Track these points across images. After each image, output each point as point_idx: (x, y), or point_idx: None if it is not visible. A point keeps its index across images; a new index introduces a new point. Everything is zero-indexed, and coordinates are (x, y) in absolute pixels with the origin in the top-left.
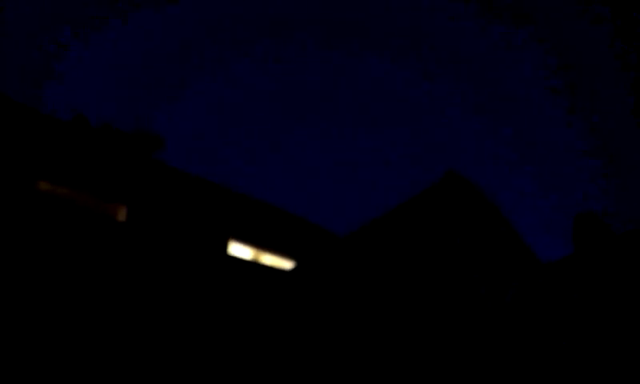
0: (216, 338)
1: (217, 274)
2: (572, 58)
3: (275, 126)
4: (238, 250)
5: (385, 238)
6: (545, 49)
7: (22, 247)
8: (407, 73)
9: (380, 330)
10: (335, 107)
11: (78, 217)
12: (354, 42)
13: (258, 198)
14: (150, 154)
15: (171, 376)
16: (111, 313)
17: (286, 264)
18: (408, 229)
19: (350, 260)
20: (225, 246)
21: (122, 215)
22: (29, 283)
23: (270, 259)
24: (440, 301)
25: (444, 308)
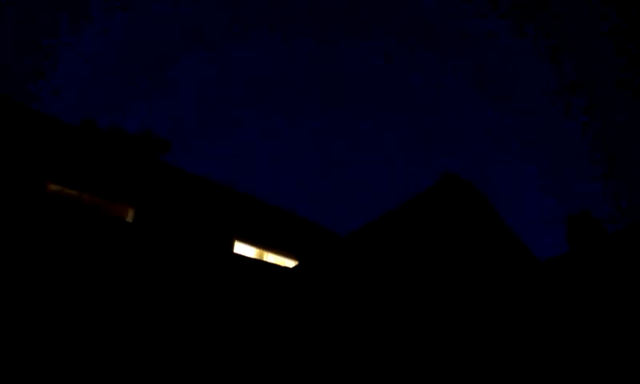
0: (221, 333)
1: (222, 271)
2: (572, 58)
3: (276, 126)
4: (243, 249)
5: (384, 239)
6: (545, 47)
7: (33, 247)
8: (407, 73)
9: (379, 328)
10: (337, 107)
11: (87, 218)
12: (354, 38)
13: (261, 199)
14: (157, 156)
15: (179, 369)
16: (120, 310)
17: (289, 263)
18: (406, 230)
19: (350, 259)
20: (230, 246)
21: (129, 216)
22: (40, 281)
23: (273, 258)
24: (438, 299)
25: (442, 306)
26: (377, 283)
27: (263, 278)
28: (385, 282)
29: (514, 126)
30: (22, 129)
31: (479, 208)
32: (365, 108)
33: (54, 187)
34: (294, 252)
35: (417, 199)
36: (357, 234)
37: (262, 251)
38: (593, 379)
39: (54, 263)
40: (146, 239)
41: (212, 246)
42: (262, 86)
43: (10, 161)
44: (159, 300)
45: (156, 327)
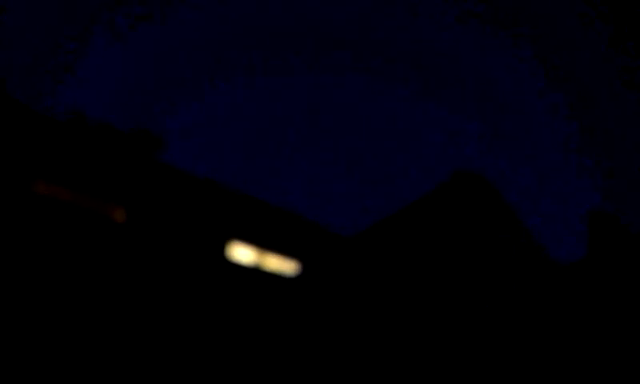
0: (214, 341)
1: (218, 275)
2: (572, 58)
3: (278, 125)
4: (241, 250)
5: (397, 238)
6: (545, 49)
7: (19, 249)
8: (408, 71)
9: (393, 334)
10: (338, 106)
11: (76, 218)
12: (354, 46)
13: (260, 199)
14: (150, 153)
15: (165, 379)
16: (109, 315)
17: (289, 265)
18: (421, 228)
19: (359, 262)
20: (227, 248)
21: (120, 216)
22: (27, 283)
23: (273, 260)
24: (454, 301)
25: (458, 309)
26: (389, 289)
27: (261, 280)
28: (397, 287)
29: (515, 128)
30: (5, 123)
31: (492, 203)
32: (366, 107)
33: (40, 186)
34: (295, 253)
35: (428, 197)
36: (366, 234)
37: (261, 252)
38: (614, 380)
39: (41, 266)
40: (137, 241)
41: (208, 248)
42: (262, 86)
43: None
44: (151, 304)
45: (147, 332)
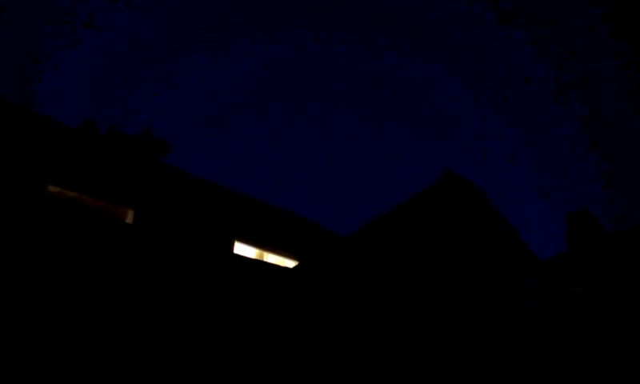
0: (221, 333)
1: (222, 272)
2: (573, 57)
3: (277, 126)
4: (243, 249)
5: (386, 238)
6: (546, 47)
7: (33, 248)
8: (407, 70)
9: (380, 327)
10: (338, 108)
11: (87, 219)
12: (355, 38)
13: (261, 200)
14: (156, 157)
15: (179, 369)
16: (121, 311)
17: (289, 264)
18: (407, 229)
19: (351, 259)
20: (230, 246)
21: (129, 217)
22: (40, 283)
23: (273, 259)
24: (439, 298)
25: (443, 305)
26: (377, 282)
27: (263, 278)
28: (385, 281)
29: (512, 127)
30: (21, 131)
31: (479, 206)
32: (364, 108)
33: (53, 189)
34: (294, 252)
35: (417, 198)
36: (358, 233)
37: (262, 251)
38: (593, 376)
39: (54, 265)
40: (145, 241)
41: (212, 247)
42: (261, 87)
43: (11, 163)
44: (159, 301)
45: (156, 328)
